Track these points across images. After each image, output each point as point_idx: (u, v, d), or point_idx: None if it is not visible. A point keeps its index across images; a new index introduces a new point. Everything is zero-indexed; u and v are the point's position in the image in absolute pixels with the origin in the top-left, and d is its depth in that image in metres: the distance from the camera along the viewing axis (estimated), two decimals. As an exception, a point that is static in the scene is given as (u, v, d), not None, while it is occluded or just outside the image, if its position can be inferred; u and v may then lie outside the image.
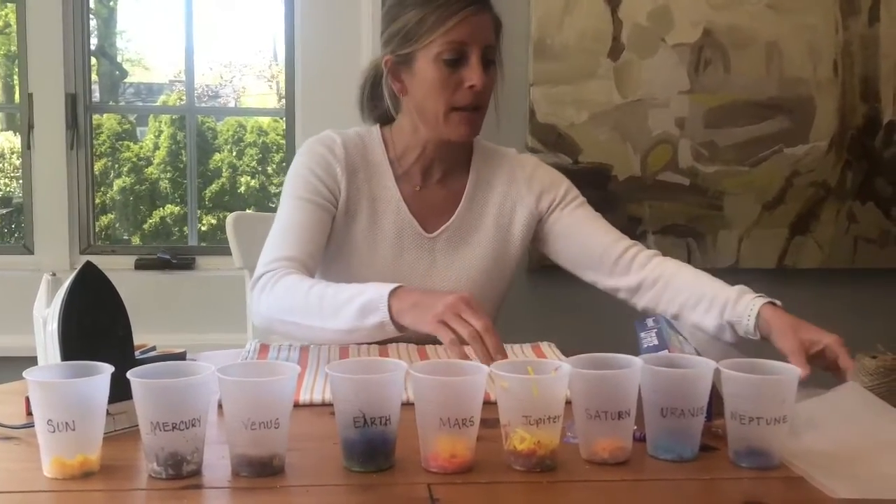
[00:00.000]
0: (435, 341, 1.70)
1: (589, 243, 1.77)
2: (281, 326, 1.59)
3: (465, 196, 1.78)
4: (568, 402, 1.11)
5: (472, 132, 1.70)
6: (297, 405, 1.26)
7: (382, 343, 1.68)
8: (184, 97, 2.76)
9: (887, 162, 2.50)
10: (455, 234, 1.76)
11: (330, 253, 1.74)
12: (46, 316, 1.21)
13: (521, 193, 1.80)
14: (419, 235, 1.75)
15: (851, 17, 2.44)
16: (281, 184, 1.84)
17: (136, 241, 5.16)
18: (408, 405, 1.11)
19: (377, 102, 1.80)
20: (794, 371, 1.12)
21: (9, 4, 2.94)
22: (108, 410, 1.09)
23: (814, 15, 2.43)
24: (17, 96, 2.56)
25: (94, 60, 2.73)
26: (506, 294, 1.85)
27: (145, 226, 5.21)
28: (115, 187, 4.99)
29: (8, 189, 4.73)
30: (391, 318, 1.45)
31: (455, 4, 1.62)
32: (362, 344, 1.62)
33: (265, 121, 5.90)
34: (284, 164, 3.31)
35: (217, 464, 1.09)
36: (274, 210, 1.76)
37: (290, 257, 1.63)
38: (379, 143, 1.78)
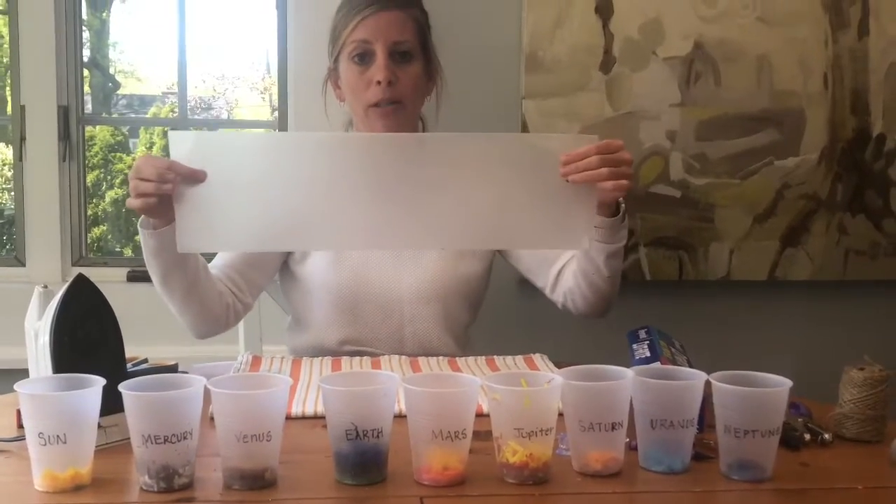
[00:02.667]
0: (426, 353, 1.71)
1: (544, 252, 1.80)
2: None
3: None
4: (560, 415, 1.11)
5: (390, 129, 1.71)
6: (289, 418, 1.25)
7: (374, 356, 1.68)
8: (176, 109, 2.75)
9: (877, 174, 2.51)
10: None
11: (296, 257, 1.79)
12: (38, 328, 1.21)
13: None
14: None
15: (841, 30, 2.45)
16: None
17: (128, 252, 5.14)
18: (400, 417, 1.11)
19: None
20: (785, 383, 1.12)
21: (1, 16, 2.94)
22: (99, 423, 1.09)
23: (804, 28, 2.44)
24: (9, 108, 2.56)
25: (86, 72, 2.73)
26: (481, 296, 1.86)
27: (137, 238, 5.19)
28: (107, 199, 4.98)
29: (0, 201, 4.72)
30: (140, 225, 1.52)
31: (357, 7, 1.70)
32: (355, 357, 1.62)
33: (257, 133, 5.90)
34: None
35: (209, 477, 1.08)
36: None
37: (221, 264, 1.72)
38: None
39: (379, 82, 1.68)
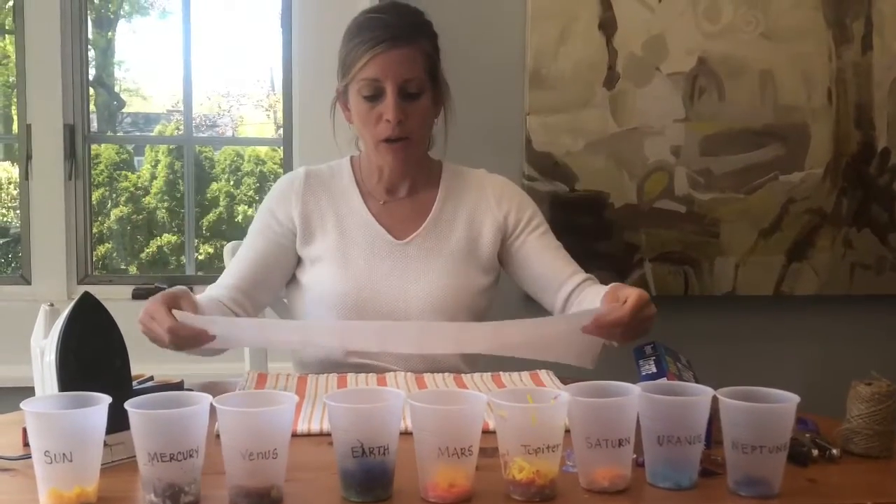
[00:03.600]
0: (432, 365, 1.71)
1: (547, 273, 1.82)
2: None
3: (434, 205, 1.84)
4: (567, 431, 1.11)
5: (399, 161, 1.77)
6: (294, 435, 1.25)
7: (381, 372, 1.68)
8: (181, 127, 2.77)
9: (882, 188, 2.51)
10: (426, 241, 1.80)
11: (305, 268, 1.81)
12: (44, 346, 1.21)
13: (490, 206, 1.85)
14: (390, 243, 1.79)
15: (844, 45, 2.46)
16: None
17: (133, 270, 5.16)
18: (406, 434, 1.11)
19: None
20: (792, 399, 1.11)
21: (7, 35, 2.96)
22: (105, 441, 1.09)
23: (807, 43, 2.45)
24: (15, 127, 2.57)
25: (92, 91, 2.74)
26: (485, 308, 1.86)
27: (143, 255, 5.22)
28: (112, 217, 5.00)
29: (5, 219, 4.73)
30: None
31: (367, 43, 1.71)
32: (360, 373, 1.64)
33: (263, 150, 5.92)
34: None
35: (214, 495, 1.08)
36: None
37: (226, 284, 1.77)
38: (347, 169, 1.87)
39: (389, 121, 1.70)
